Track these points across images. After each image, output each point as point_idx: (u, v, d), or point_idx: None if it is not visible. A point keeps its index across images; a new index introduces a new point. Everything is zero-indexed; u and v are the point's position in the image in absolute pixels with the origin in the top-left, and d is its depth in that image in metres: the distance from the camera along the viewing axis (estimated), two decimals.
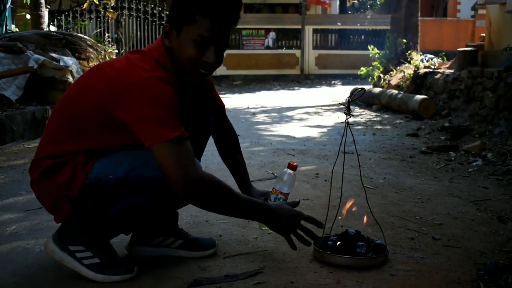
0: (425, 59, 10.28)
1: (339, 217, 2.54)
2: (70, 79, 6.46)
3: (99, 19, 14.30)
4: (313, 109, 9.99)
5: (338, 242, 2.32)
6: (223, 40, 2.03)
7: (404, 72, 10.06)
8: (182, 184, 1.85)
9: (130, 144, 1.98)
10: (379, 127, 7.41)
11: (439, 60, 10.12)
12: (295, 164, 2.35)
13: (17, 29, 8.96)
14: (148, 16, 15.77)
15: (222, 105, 2.46)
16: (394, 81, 10.39)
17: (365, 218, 2.60)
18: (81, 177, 1.97)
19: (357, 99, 10.08)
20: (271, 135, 6.64)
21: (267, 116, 8.88)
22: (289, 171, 2.34)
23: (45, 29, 8.32)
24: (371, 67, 11.83)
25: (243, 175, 2.52)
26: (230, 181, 3.44)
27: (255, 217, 2.11)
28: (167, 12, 15.98)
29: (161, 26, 16.10)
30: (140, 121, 1.85)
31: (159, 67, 1.96)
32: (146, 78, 1.87)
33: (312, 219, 2.19)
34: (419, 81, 9.18)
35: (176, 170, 1.84)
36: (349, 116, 2.27)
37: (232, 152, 2.54)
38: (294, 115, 9.07)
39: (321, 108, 10.17)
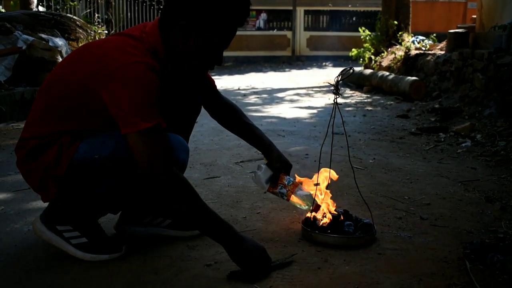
0: (416, 40, 10.27)
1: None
2: (60, 59, 6.40)
3: (88, 0, 14.16)
4: (304, 91, 9.98)
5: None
6: None
7: (395, 54, 10.06)
8: (147, 176, 1.81)
9: (114, 124, 1.93)
10: (369, 108, 7.42)
11: (430, 41, 10.12)
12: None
13: (3, 10, 8.85)
14: None
15: (213, 81, 2.40)
16: (385, 63, 10.39)
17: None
18: (67, 157, 1.95)
19: (348, 81, 10.02)
20: (262, 116, 6.64)
21: (257, 98, 8.86)
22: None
23: (34, 10, 8.23)
24: (362, 49, 11.81)
25: (256, 134, 2.48)
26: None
27: (215, 235, 1.94)
28: None
29: (152, 7, 15.96)
30: (119, 108, 1.80)
31: (149, 53, 1.90)
32: (132, 64, 1.82)
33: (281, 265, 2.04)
34: (410, 63, 9.18)
35: (144, 161, 1.79)
36: (337, 96, 2.27)
37: (237, 119, 2.46)
38: (284, 97, 9.07)
39: (312, 90, 10.17)
